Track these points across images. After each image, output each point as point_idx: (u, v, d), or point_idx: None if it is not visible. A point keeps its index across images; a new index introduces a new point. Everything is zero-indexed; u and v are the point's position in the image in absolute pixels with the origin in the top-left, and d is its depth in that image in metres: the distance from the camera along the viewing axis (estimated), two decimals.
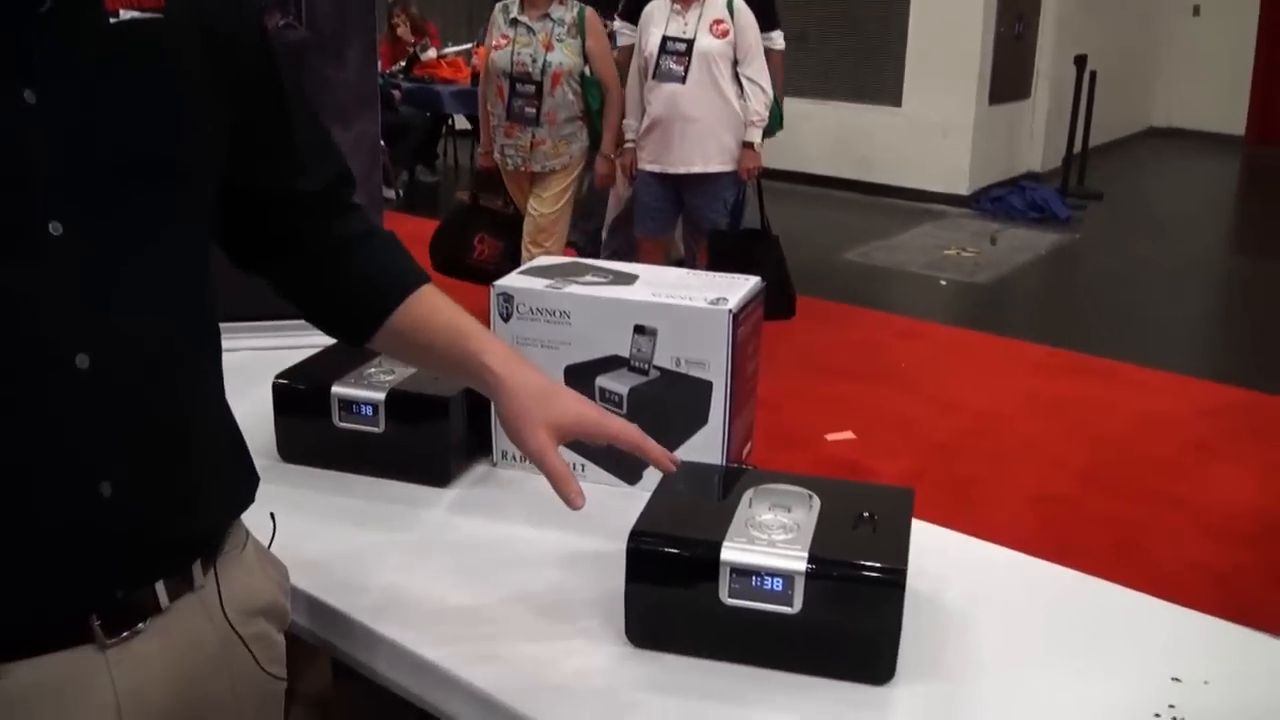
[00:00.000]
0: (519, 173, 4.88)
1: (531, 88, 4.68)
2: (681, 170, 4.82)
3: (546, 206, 4.86)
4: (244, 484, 1.15)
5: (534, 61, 4.66)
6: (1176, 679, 1.21)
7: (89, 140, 0.92)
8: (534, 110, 4.69)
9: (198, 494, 1.05)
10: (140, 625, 0.99)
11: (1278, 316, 6.25)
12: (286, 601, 1.20)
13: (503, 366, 1.18)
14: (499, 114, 4.79)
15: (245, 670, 1.11)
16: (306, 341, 1.75)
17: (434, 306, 1.22)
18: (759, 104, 4.77)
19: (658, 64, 4.74)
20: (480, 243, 5.10)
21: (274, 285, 1.22)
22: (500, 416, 1.20)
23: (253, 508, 1.16)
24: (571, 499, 1.13)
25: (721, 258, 4.76)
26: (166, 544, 1.02)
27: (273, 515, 1.25)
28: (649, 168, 4.90)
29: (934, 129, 8.69)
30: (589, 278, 1.59)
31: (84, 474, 0.95)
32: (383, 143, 4.54)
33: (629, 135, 4.97)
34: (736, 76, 4.75)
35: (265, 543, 1.21)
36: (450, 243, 5.11)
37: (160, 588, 1.01)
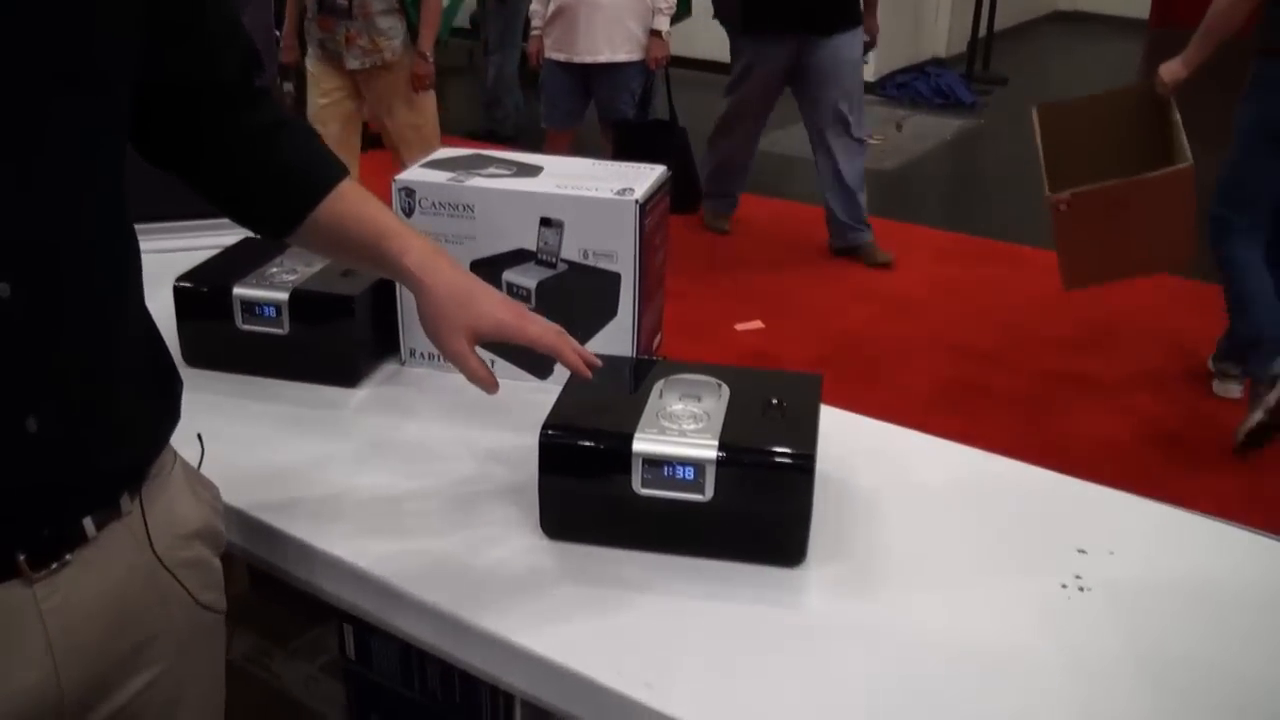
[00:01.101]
0: (337, 68, 4.42)
1: None
2: (588, 60, 4.75)
3: (400, 118, 4.47)
4: (171, 404, 1.11)
5: None
6: (1082, 551, 1.25)
7: (2, 53, 0.86)
8: (346, 2, 4.28)
9: (127, 421, 1.02)
10: (68, 557, 0.96)
11: None
12: (220, 523, 1.17)
13: (421, 268, 1.17)
14: (312, 6, 4.39)
15: (177, 599, 1.08)
16: (207, 242, 1.71)
17: (355, 201, 1.19)
18: None
19: None
20: None
21: (188, 180, 1.16)
22: (420, 316, 1.19)
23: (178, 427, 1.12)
24: (488, 390, 1.18)
25: (627, 148, 4.72)
26: (96, 477, 0.99)
27: (200, 436, 1.23)
28: (555, 56, 4.82)
29: None
30: (492, 170, 1.57)
31: (9, 409, 0.90)
32: (276, 32, 4.38)
33: (535, 22, 4.88)
34: None
35: (194, 463, 1.19)
36: None
37: (88, 521, 0.98)
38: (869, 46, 5.06)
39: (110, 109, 0.97)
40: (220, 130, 1.14)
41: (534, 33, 4.90)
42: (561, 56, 4.80)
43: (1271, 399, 3.40)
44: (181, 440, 1.13)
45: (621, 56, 4.74)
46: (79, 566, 0.97)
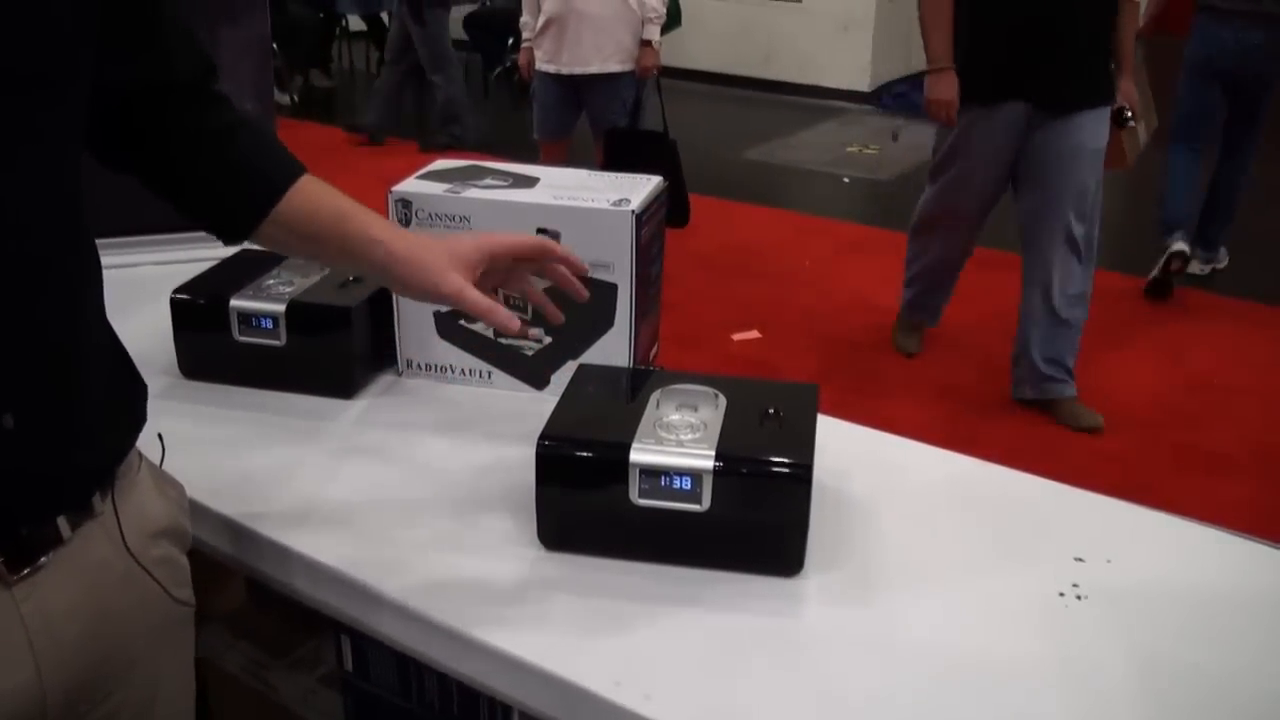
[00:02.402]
0: None
1: None
2: (578, 71, 4.75)
3: None
4: (138, 403, 1.12)
5: None
6: (1079, 559, 1.25)
7: None
8: None
9: (99, 420, 1.03)
10: (43, 559, 0.97)
11: None
12: (186, 521, 1.17)
13: (389, 234, 1.17)
14: None
15: (152, 596, 1.09)
16: (204, 254, 1.71)
17: (315, 194, 1.19)
18: None
19: None
20: None
21: (146, 182, 1.17)
22: (402, 283, 1.18)
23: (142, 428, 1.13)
24: (507, 325, 1.16)
25: (617, 158, 4.71)
26: (71, 473, 1.00)
27: (161, 436, 1.23)
28: (545, 68, 4.82)
29: (835, 24, 8.66)
30: (488, 181, 1.57)
31: None
32: (274, 45, 4.39)
33: (525, 34, 4.88)
34: None
35: (157, 463, 1.19)
36: None
37: (62, 521, 0.99)
38: (1124, 118, 3.77)
39: (75, 110, 0.98)
40: (171, 131, 1.14)
41: (525, 45, 4.90)
42: (552, 68, 4.79)
43: (1162, 260, 4.84)
44: (142, 442, 1.13)
45: (612, 67, 4.74)
46: (55, 568, 0.97)
